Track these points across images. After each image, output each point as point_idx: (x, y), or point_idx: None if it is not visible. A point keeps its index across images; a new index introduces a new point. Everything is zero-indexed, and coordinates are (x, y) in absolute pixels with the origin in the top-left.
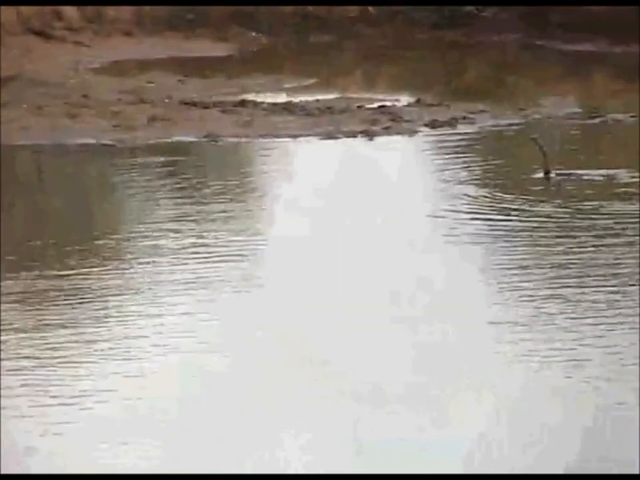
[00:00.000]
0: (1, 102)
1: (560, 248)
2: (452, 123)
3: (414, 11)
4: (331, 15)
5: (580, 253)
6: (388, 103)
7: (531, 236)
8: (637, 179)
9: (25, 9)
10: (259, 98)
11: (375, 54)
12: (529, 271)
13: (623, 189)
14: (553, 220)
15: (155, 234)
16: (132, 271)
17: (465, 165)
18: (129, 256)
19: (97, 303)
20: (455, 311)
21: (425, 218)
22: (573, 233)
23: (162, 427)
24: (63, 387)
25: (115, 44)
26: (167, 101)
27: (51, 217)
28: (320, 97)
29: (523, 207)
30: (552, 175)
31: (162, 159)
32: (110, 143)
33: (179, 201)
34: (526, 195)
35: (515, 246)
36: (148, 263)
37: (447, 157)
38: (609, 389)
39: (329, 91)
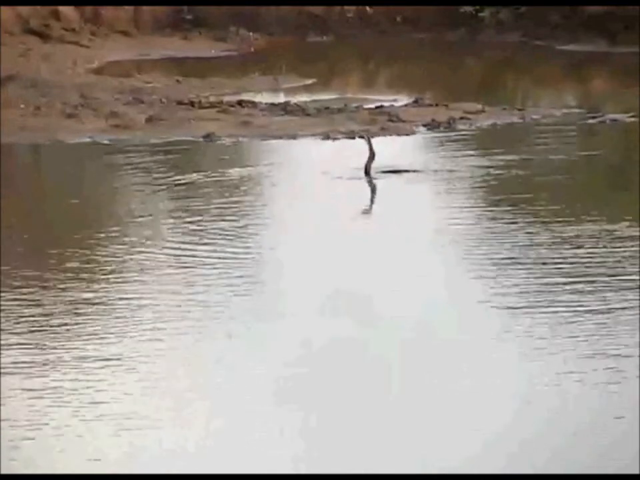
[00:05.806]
0: (0, 102)
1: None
2: (450, 123)
3: (413, 11)
4: (330, 15)
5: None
6: (386, 103)
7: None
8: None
9: (24, 9)
10: (257, 98)
11: (373, 54)
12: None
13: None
14: None
15: (153, 233)
16: (129, 271)
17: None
18: (127, 256)
19: (90, 305)
20: (454, 311)
21: (424, 217)
22: None
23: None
24: None
25: (113, 44)
26: (164, 101)
27: (49, 216)
28: (318, 97)
29: None
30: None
31: (160, 158)
32: (108, 142)
33: (177, 201)
34: None
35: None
36: (146, 261)
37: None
38: (610, 389)
39: (327, 91)
